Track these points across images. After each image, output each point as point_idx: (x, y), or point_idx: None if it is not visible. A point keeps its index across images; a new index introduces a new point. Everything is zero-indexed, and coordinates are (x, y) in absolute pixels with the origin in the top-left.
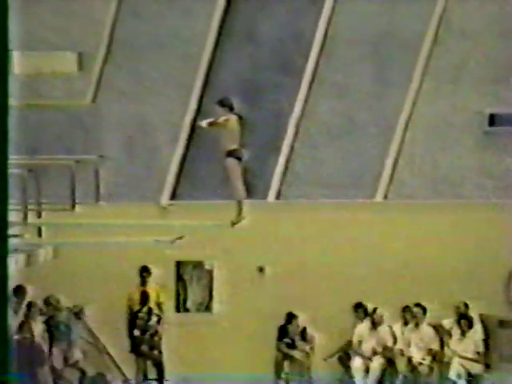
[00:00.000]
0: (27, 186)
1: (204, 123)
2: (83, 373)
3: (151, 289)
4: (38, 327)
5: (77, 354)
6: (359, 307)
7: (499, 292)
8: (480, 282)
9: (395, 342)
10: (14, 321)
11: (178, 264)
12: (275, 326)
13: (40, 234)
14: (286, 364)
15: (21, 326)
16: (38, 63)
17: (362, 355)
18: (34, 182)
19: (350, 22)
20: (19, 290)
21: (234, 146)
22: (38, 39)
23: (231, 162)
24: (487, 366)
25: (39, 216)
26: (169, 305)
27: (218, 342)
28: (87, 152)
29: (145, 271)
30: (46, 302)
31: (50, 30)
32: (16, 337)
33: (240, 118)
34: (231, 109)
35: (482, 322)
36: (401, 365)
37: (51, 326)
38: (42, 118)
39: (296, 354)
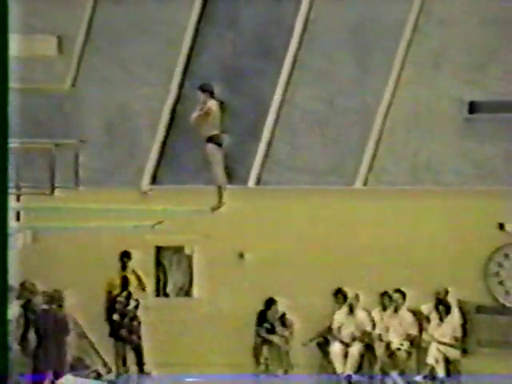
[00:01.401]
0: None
1: (193, 119)
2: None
3: (131, 274)
4: (14, 311)
5: None
6: (338, 293)
7: (477, 278)
8: (458, 268)
9: (374, 327)
10: None
11: (158, 249)
12: (255, 311)
13: (18, 218)
14: (265, 349)
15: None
16: (17, 46)
17: (341, 340)
18: (13, 165)
19: (330, 8)
20: None
21: (214, 132)
22: (18, 22)
23: (212, 147)
24: (464, 351)
25: (18, 200)
26: (148, 290)
27: (197, 326)
28: (67, 136)
29: (125, 256)
30: (22, 286)
31: (30, 13)
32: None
33: (221, 103)
34: (212, 94)
35: (460, 307)
36: (379, 350)
37: (27, 311)
38: (22, 102)
39: (275, 339)
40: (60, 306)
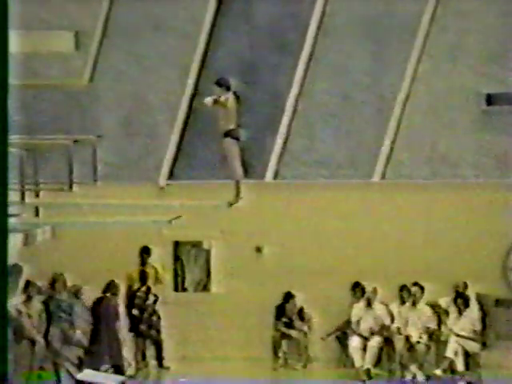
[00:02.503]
0: (25, 166)
1: (209, 101)
2: (86, 351)
3: (150, 268)
4: (35, 306)
5: (78, 334)
6: (357, 287)
7: (496, 271)
8: (477, 262)
9: (392, 320)
10: (14, 299)
11: (176, 244)
12: (273, 305)
13: (37, 214)
14: (283, 343)
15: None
16: (34, 42)
17: (359, 334)
18: (31, 161)
19: (347, 1)
20: (15, 269)
21: (231, 126)
22: (35, 18)
23: (229, 142)
24: (484, 345)
25: (37, 196)
26: (167, 284)
27: (215, 321)
28: (84, 132)
29: (145, 252)
30: (50, 280)
31: (46, 9)
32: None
33: (237, 97)
34: (228, 88)
35: (479, 300)
36: (398, 344)
37: (50, 306)
38: (39, 98)
39: (293, 333)
40: (114, 294)
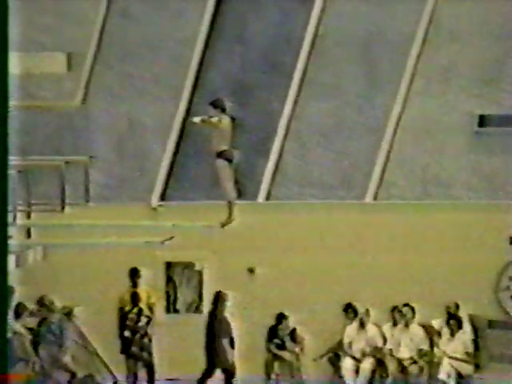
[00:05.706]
0: (17, 187)
1: (197, 119)
2: (73, 374)
3: (142, 290)
4: (25, 328)
5: (67, 357)
6: (349, 308)
7: (488, 292)
8: (469, 283)
9: (385, 342)
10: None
11: (168, 265)
12: (265, 326)
13: (29, 235)
14: (275, 365)
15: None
16: (27, 64)
17: (352, 356)
18: (23, 182)
19: (339, 22)
20: None
21: (224, 147)
22: (28, 40)
23: (221, 163)
24: (477, 366)
25: (28, 217)
26: (159, 306)
27: None
28: (77, 153)
29: (134, 274)
30: (40, 303)
31: (39, 31)
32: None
33: (232, 119)
34: (223, 110)
35: (471, 322)
36: (391, 365)
37: (41, 328)
38: (32, 119)
39: (285, 354)
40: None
